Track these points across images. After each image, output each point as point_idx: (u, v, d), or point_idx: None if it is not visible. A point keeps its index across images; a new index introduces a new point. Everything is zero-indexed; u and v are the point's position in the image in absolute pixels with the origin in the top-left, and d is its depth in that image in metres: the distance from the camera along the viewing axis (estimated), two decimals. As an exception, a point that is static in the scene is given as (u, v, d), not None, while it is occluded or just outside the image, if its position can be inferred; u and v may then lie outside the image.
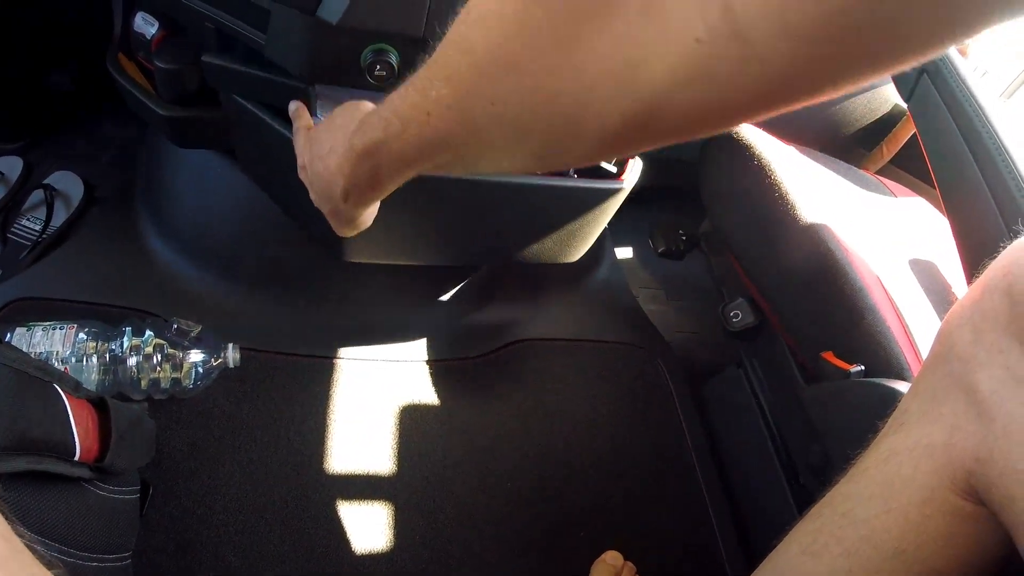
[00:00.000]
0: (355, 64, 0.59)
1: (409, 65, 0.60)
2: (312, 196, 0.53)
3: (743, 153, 0.92)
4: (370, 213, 0.52)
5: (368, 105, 0.47)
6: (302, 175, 0.54)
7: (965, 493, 0.45)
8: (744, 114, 0.30)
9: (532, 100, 0.33)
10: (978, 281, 0.48)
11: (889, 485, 0.48)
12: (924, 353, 0.74)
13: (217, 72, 0.71)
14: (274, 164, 0.74)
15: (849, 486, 0.52)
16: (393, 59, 0.58)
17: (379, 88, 0.62)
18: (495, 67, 0.33)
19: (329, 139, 0.47)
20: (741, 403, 1.02)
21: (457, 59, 0.34)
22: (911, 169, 1.35)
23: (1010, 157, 0.71)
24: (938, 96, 0.79)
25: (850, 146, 1.36)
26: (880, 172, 1.34)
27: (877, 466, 0.50)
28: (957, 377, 0.47)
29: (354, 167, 0.43)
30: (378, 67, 0.58)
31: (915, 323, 0.78)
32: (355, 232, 0.54)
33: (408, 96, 0.37)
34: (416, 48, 0.60)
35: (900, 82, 0.86)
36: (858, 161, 1.34)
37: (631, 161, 0.85)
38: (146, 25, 0.81)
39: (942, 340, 0.50)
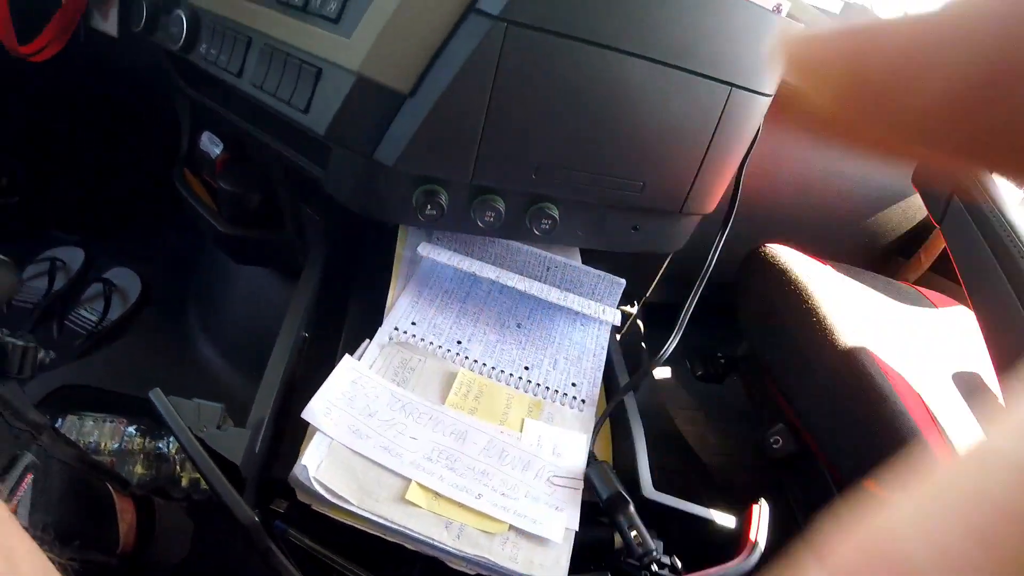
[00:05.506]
0: (407, 202, 0.62)
1: (457, 205, 0.64)
2: None
3: (779, 276, 0.93)
4: None
5: None
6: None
7: None
8: None
9: None
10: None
11: None
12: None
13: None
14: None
15: None
16: (443, 200, 0.61)
17: (428, 225, 0.66)
18: None
19: None
20: (782, 533, 0.98)
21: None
22: (952, 276, 1.34)
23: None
24: (968, 217, 0.79)
25: (888, 256, 1.36)
26: (920, 280, 1.34)
27: None
28: None
29: None
30: (428, 207, 0.61)
31: (960, 444, 0.76)
32: None
33: None
34: (466, 190, 0.63)
35: (931, 204, 0.87)
36: (896, 271, 1.34)
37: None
38: (212, 145, 0.86)
39: None
